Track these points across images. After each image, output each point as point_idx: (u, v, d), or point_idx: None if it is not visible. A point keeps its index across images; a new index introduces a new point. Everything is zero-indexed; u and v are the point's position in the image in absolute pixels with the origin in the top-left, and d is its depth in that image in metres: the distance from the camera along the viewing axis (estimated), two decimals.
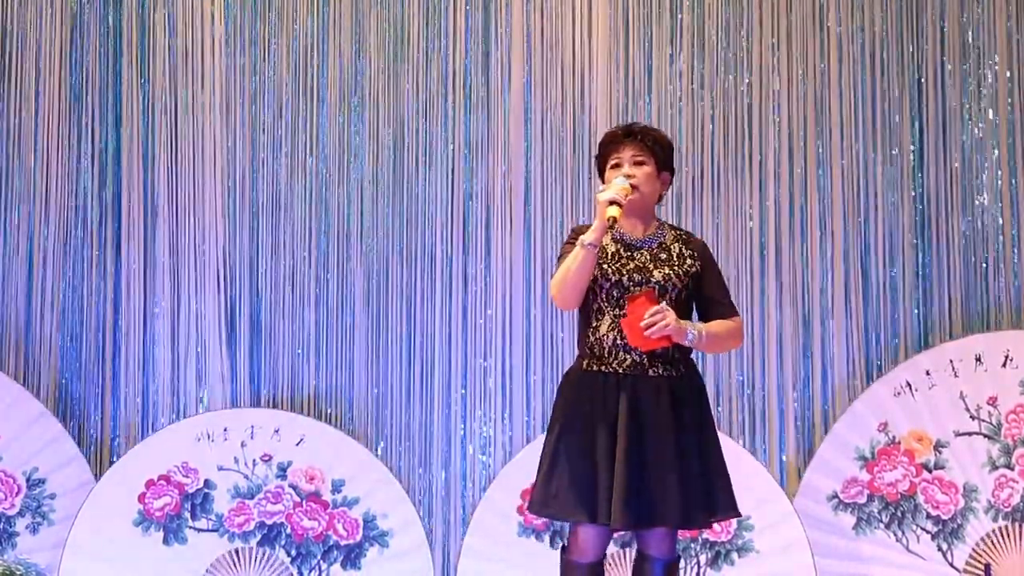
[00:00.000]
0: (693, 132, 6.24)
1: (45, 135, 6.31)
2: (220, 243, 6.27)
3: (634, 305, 4.19)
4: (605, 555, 4.29)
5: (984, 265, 6.16)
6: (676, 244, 4.35)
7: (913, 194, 6.21)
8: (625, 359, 4.24)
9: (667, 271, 4.28)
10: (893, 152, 6.22)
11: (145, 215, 6.29)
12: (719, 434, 4.36)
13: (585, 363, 4.29)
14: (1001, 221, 6.17)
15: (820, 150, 6.23)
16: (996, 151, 6.20)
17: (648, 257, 4.30)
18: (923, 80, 6.23)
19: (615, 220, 4.15)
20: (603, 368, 4.25)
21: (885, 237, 6.19)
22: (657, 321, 4.13)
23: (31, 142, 6.31)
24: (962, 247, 6.17)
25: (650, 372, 4.23)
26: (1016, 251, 6.16)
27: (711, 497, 4.24)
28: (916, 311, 6.17)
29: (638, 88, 6.26)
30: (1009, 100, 6.21)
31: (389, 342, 6.23)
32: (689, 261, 4.33)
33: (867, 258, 6.19)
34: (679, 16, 6.28)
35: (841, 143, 6.24)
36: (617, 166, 4.33)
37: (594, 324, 4.29)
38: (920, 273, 6.18)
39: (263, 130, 6.32)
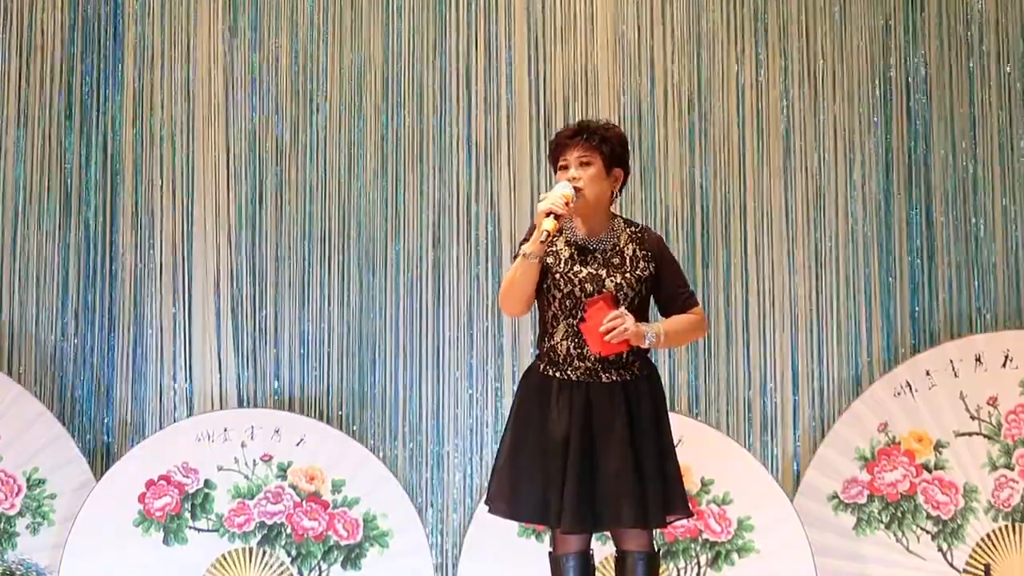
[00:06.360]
0: (695, 130, 6.25)
1: (45, 135, 6.31)
2: (221, 243, 6.27)
3: (593, 310, 4.19)
4: (591, 546, 4.33)
5: (984, 265, 6.16)
6: (630, 245, 4.34)
7: (913, 194, 6.22)
8: (579, 367, 4.28)
9: (619, 279, 4.28)
10: (894, 152, 6.23)
11: (145, 215, 6.29)
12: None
13: (542, 367, 4.33)
14: (1002, 221, 6.17)
15: (819, 149, 6.24)
16: (995, 151, 6.21)
17: (601, 262, 4.31)
18: (930, 76, 6.25)
19: (549, 234, 4.15)
20: (558, 374, 4.29)
21: (885, 237, 6.19)
22: (616, 326, 4.15)
23: (31, 142, 6.31)
24: (962, 247, 6.17)
25: (604, 378, 4.27)
26: (1017, 251, 6.16)
27: (665, 498, 4.26)
28: (916, 311, 6.17)
29: (639, 86, 6.26)
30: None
31: (390, 342, 6.23)
32: (643, 264, 4.33)
33: (867, 258, 6.19)
34: (681, 11, 6.30)
35: (842, 143, 6.24)
36: (565, 168, 4.33)
37: (550, 331, 4.33)
38: (919, 273, 6.18)
39: (264, 130, 6.31)
